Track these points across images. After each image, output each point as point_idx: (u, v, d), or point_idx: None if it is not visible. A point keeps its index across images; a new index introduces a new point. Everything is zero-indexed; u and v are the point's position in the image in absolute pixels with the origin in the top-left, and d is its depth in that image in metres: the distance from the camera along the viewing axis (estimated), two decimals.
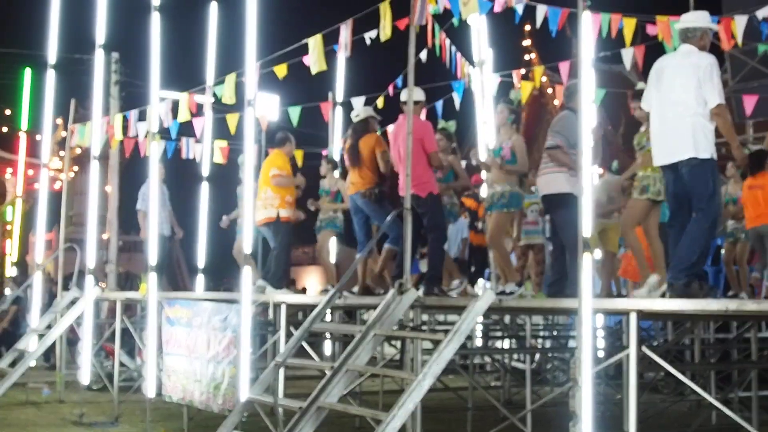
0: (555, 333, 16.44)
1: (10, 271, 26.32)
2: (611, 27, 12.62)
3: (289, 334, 11.13)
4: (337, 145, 16.81)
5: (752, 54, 16.14)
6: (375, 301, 9.73)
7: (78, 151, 25.90)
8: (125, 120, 16.28)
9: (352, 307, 13.26)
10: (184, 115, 14.87)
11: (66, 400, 14.93)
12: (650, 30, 12.72)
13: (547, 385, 15.18)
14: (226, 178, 15.45)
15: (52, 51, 15.77)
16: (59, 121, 25.67)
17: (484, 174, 13.20)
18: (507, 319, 14.87)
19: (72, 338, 16.63)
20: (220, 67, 14.50)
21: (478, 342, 16.18)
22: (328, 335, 15.12)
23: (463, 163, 13.74)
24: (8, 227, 29.56)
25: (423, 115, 11.13)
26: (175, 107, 15.02)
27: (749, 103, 13.78)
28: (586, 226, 7.52)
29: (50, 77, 15.89)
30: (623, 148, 26.28)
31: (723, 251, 14.90)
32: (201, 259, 15.23)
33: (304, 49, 12.43)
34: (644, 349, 7.91)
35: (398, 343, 14.71)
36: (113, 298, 15.68)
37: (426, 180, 10.28)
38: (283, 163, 12.55)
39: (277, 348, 11.37)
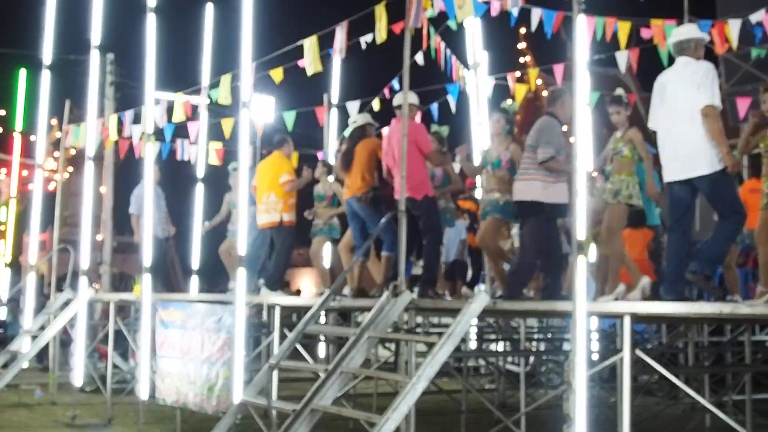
0: (549, 336, 16.44)
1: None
2: (606, 30, 12.62)
3: (283, 336, 11.13)
4: (332, 148, 16.80)
5: (746, 57, 16.17)
6: (369, 303, 9.73)
7: (73, 151, 25.88)
8: (120, 121, 16.27)
9: (346, 309, 13.25)
10: (179, 117, 14.86)
11: (59, 402, 14.91)
12: (645, 33, 12.74)
13: (541, 388, 15.21)
14: (221, 180, 15.43)
15: (47, 51, 15.77)
16: (54, 121, 25.59)
17: (478, 179, 13.21)
18: (499, 321, 14.88)
19: (65, 340, 16.61)
20: (215, 68, 14.52)
21: (473, 345, 16.19)
22: (322, 337, 15.11)
23: (457, 167, 13.71)
24: (2, 228, 29.53)
25: (418, 119, 11.10)
26: (170, 108, 15.02)
27: (743, 106, 13.77)
28: (581, 230, 7.52)
29: (45, 78, 15.89)
30: None
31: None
32: (195, 261, 15.22)
33: (300, 51, 12.42)
34: (638, 352, 7.93)
35: (392, 346, 14.73)
36: (107, 300, 15.67)
37: (421, 182, 10.27)
38: (290, 167, 12.56)
39: (271, 350, 11.36)
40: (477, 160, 14.97)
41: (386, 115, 11.71)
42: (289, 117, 15.76)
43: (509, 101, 12.59)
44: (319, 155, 17.10)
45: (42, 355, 17.86)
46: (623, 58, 13.17)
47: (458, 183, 12.72)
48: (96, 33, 14.26)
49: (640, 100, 26.70)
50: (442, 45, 14.61)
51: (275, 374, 9.95)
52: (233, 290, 14.03)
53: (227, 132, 15.01)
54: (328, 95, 17.35)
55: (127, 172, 23.38)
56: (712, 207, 8.28)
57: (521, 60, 32.13)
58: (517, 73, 15.76)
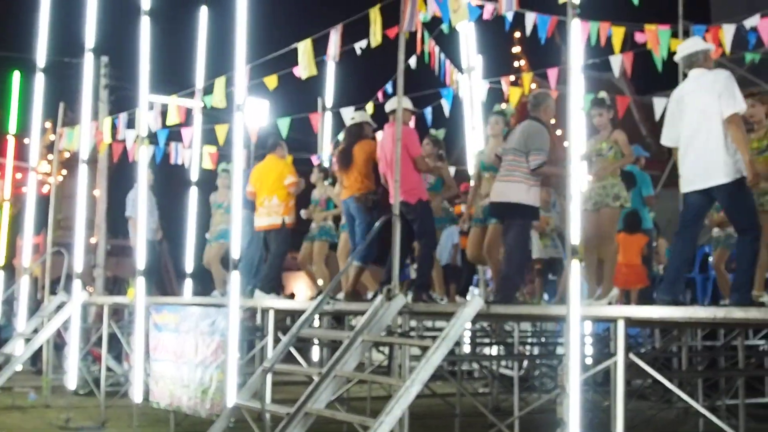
0: (543, 340, 16.44)
1: None
2: (600, 35, 12.64)
3: (277, 340, 11.12)
4: (326, 152, 16.79)
5: (740, 62, 16.18)
6: (363, 307, 9.73)
7: (66, 154, 25.85)
8: (114, 124, 16.25)
9: (340, 312, 13.23)
10: (173, 120, 14.85)
11: (52, 405, 14.87)
12: (639, 38, 12.75)
13: (534, 392, 15.20)
14: (214, 184, 15.42)
15: (41, 54, 15.75)
16: (48, 124, 25.57)
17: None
18: (492, 325, 14.88)
19: (59, 343, 16.57)
20: (209, 71, 14.49)
21: (466, 348, 16.18)
22: (316, 341, 15.10)
23: (452, 170, 13.72)
24: None
25: (412, 123, 11.10)
26: (164, 112, 15.00)
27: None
28: (574, 233, 7.53)
29: (39, 80, 15.87)
30: None
31: (711, 259, 14.92)
32: (189, 264, 15.19)
33: (294, 54, 12.41)
34: (632, 356, 7.93)
35: (386, 349, 14.73)
36: (100, 303, 15.64)
37: (415, 186, 10.27)
38: (291, 169, 12.56)
39: (265, 353, 11.35)
40: (470, 165, 15.03)
41: (380, 119, 11.70)
42: (284, 123, 15.77)
43: (504, 105, 12.59)
44: (314, 160, 17.09)
45: (35, 358, 17.82)
46: (617, 62, 13.19)
47: (453, 186, 12.73)
48: (90, 36, 14.24)
49: (634, 104, 26.81)
50: (437, 49, 14.63)
51: (269, 377, 9.94)
52: (219, 292, 14.16)
53: (221, 138, 15.01)
54: (322, 99, 17.34)
55: (120, 175, 23.39)
56: (729, 218, 8.27)
57: (515, 64, 32.22)
58: (512, 77, 15.77)
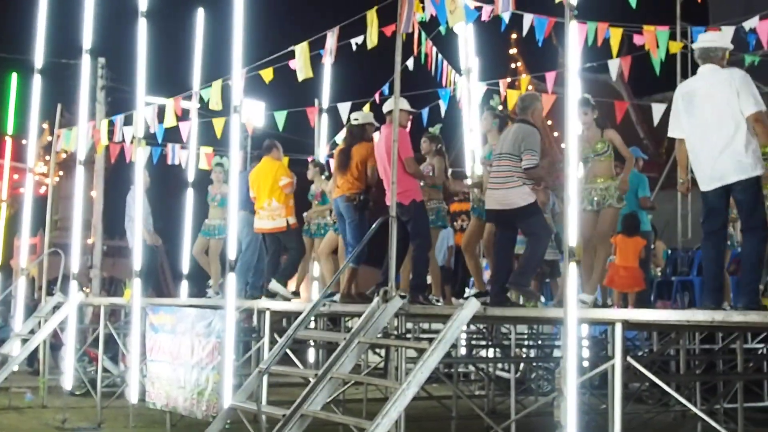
0: (540, 342, 16.41)
1: None
2: (597, 36, 12.62)
3: (273, 341, 11.11)
4: (323, 152, 16.77)
5: (739, 64, 16.18)
6: (360, 308, 9.71)
7: (63, 155, 25.85)
8: (111, 125, 16.24)
9: (336, 314, 13.22)
10: (170, 121, 14.84)
11: (49, 405, 14.84)
12: (637, 40, 12.74)
13: (531, 395, 15.16)
14: (210, 184, 15.40)
15: (38, 55, 15.74)
16: (45, 125, 25.57)
17: (469, 181, 13.19)
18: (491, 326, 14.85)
19: (55, 343, 16.55)
20: (206, 72, 14.50)
21: (463, 351, 16.15)
22: (312, 342, 15.08)
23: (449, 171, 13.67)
24: None
25: (409, 125, 11.09)
26: (161, 113, 14.99)
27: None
28: (572, 235, 7.51)
29: (36, 82, 15.85)
30: None
31: None
32: (185, 265, 15.18)
33: (291, 56, 12.41)
34: (629, 359, 7.92)
35: (383, 351, 14.68)
36: (97, 303, 15.63)
37: (408, 188, 10.24)
38: (285, 170, 12.55)
39: (261, 355, 11.34)
40: (467, 165, 15.02)
41: (377, 120, 11.69)
42: (280, 117, 15.75)
43: (495, 98, 12.54)
44: (309, 158, 17.06)
45: (32, 358, 17.80)
46: (615, 64, 13.18)
47: (441, 177, 12.62)
48: (87, 37, 14.23)
49: (632, 107, 26.77)
50: (433, 50, 14.62)
51: (265, 379, 9.94)
52: (213, 290, 14.15)
53: (218, 132, 14.99)
54: (318, 100, 17.32)
55: (117, 176, 23.37)
56: (740, 214, 8.20)
57: (512, 65, 32.20)
58: (509, 79, 15.76)
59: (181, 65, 15.55)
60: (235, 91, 11.13)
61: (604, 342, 14.62)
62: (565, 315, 7.41)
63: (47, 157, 26.10)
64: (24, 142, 18.69)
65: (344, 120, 14.90)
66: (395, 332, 9.35)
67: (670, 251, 16.10)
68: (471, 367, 17.43)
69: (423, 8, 10.33)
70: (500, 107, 11.80)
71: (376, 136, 11.43)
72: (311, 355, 16.20)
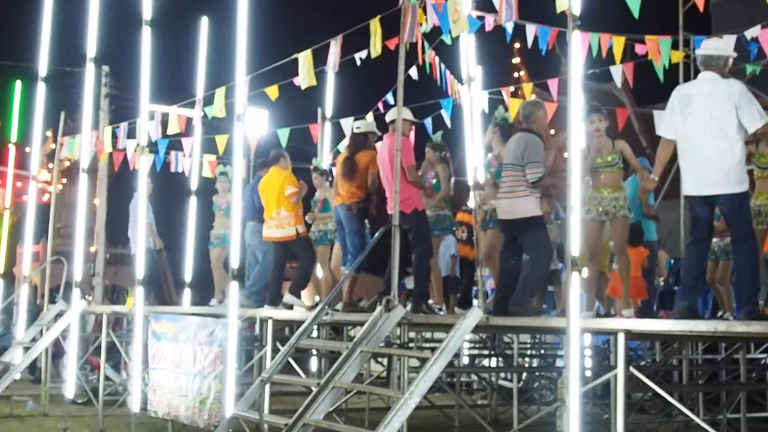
0: (542, 352, 16.40)
1: None
2: (600, 46, 12.62)
3: (275, 350, 11.10)
4: (326, 162, 16.76)
5: (741, 74, 16.19)
6: (362, 317, 9.71)
7: (67, 163, 25.88)
8: (114, 133, 16.25)
9: (339, 323, 13.21)
10: (173, 129, 14.86)
11: (50, 414, 14.86)
12: (639, 49, 12.74)
13: (534, 404, 15.15)
14: (214, 193, 15.41)
15: (42, 63, 15.76)
16: (49, 133, 25.65)
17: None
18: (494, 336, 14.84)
19: (57, 351, 16.56)
20: (210, 81, 14.50)
21: (465, 360, 16.14)
22: (314, 351, 15.07)
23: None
24: None
25: (412, 134, 11.10)
26: (164, 121, 15.01)
27: None
28: (574, 245, 7.51)
29: (40, 89, 15.88)
30: None
31: None
32: (188, 274, 15.18)
33: (294, 64, 12.42)
34: (632, 369, 7.91)
35: (385, 360, 14.68)
36: (99, 312, 15.64)
37: (410, 196, 10.25)
38: (292, 179, 12.56)
39: (264, 363, 11.33)
40: (470, 176, 15.00)
41: (379, 129, 11.72)
42: (283, 134, 15.76)
43: (499, 108, 12.52)
44: (311, 166, 17.04)
45: (34, 366, 17.80)
46: (618, 72, 13.17)
47: (447, 185, 12.60)
48: (91, 45, 14.24)
49: (634, 115, 26.78)
50: (437, 59, 14.61)
51: (267, 388, 9.93)
52: (217, 299, 14.16)
53: (221, 147, 15.03)
54: (321, 109, 17.32)
55: (120, 184, 23.40)
56: (728, 226, 8.26)
57: (516, 75, 32.22)
58: (512, 88, 15.75)
59: (184, 74, 15.57)
60: (239, 100, 11.14)
61: (606, 352, 14.61)
62: (567, 324, 7.41)
63: (50, 165, 26.15)
64: (27, 149, 18.66)
65: (347, 132, 14.90)
66: (398, 341, 9.34)
67: (672, 261, 16.10)
68: (474, 377, 17.43)
69: (426, 18, 10.34)
70: (504, 116, 11.74)
71: (378, 145, 11.45)
72: (314, 364, 16.19)
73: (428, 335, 16.67)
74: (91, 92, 14.72)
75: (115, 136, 16.25)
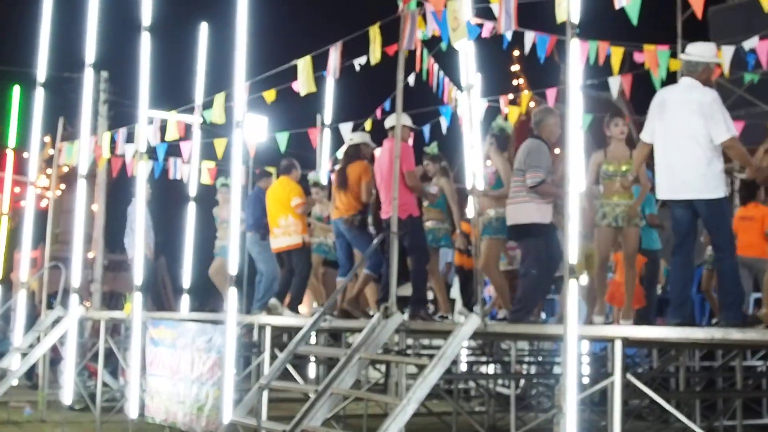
0: (540, 359, 16.41)
1: None
2: (599, 54, 12.64)
3: (273, 356, 11.11)
4: (325, 168, 16.77)
5: (739, 83, 16.21)
6: (360, 324, 9.71)
7: (65, 169, 25.84)
8: (113, 139, 16.26)
9: (337, 330, 13.21)
10: (172, 135, 14.87)
11: (48, 420, 14.84)
12: (637, 58, 12.76)
13: (531, 411, 15.14)
14: (213, 199, 15.43)
15: (41, 69, 15.76)
16: (47, 139, 25.59)
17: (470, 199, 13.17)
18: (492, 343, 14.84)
19: (55, 357, 16.55)
20: (209, 87, 14.51)
21: (463, 367, 16.14)
22: (312, 358, 15.07)
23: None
24: None
25: (411, 140, 11.12)
26: (163, 127, 15.02)
27: (736, 130, 13.82)
28: (572, 253, 7.52)
29: (39, 95, 15.88)
30: None
31: None
32: (186, 280, 15.18)
33: (294, 71, 12.43)
34: (629, 376, 7.92)
35: (383, 367, 14.67)
36: (97, 318, 15.63)
37: (405, 202, 10.23)
38: (299, 190, 12.57)
39: (262, 370, 11.34)
40: (468, 183, 14.98)
41: (378, 136, 11.73)
42: (282, 138, 15.77)
43: (498, 118, 12.53)
44: (310, 175, 17.05)
45: (31, 372, 17.79)
46: (616, 82, 13.19)
47: (454, 197, 12.60)
48: (90, 51, 14.24)
49: (633, 123, 26.80)
50: (435, 67, 14.63)
51: (265, 395, 9.93)
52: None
53: (219, 152, 15.04)
54: (320, 116, 17.33)
55: (119, 190, 23.38)
56: (709, 233, 8.32)
57: (514, 82, 32.23)
58: (510, 96, 15.77)
59: (183, 80, 15.58)
60: (238, 106, 11.16)
61: (604, 359, 14.60)
62: (565, 332, 7.42)
63: (49, 171, 26.09)
64: (26, 155, 18.65)
65: (345, 139, 14.91)
66: (396, 348, 9.35)
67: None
68: (471, 383, 17.43)
69: (425, 25, 10.36)
70: (502, 126, 11.73)
71: (377, 152, 11.46)
72: (312, 370, 16.16)
73: (426, 342, 16.67)
74: (90, 98, 14.70)
75: (113, 142, 16.24)
